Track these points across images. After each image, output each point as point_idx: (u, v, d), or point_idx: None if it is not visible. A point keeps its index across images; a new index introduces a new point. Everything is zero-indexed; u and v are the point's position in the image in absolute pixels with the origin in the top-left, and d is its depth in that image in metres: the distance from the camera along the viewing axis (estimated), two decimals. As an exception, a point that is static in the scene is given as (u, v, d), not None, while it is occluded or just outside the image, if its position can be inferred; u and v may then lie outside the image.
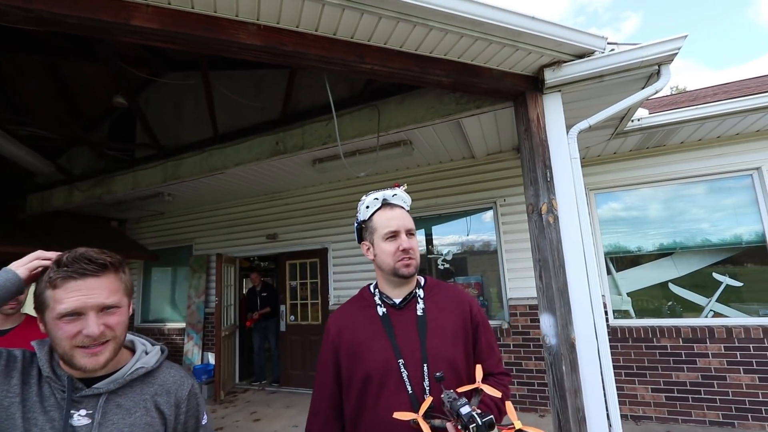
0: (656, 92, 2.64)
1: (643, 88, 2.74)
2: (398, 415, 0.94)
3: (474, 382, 1.05)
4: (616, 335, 4.03)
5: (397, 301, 1.17)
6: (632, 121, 3.67)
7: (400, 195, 1.23)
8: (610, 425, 2.48)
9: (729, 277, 3.95)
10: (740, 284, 3.91)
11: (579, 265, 2.52)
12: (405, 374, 1.05)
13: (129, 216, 7.03)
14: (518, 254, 4.39)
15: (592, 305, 2.48)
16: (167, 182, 4.51)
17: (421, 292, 1.19)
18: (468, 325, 1.15)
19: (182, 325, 6.55)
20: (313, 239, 5.62)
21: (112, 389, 0.87)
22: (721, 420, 3.65)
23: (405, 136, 3.91)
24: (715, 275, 4.00)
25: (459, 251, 4.93)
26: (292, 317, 5.89)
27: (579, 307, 2.47)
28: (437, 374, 0.97)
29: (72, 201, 5.23)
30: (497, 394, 0.95)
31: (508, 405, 0.89)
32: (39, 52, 3.87)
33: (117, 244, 6.51)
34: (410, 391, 1.04)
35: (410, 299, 1.17)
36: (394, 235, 1.15)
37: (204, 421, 1.02)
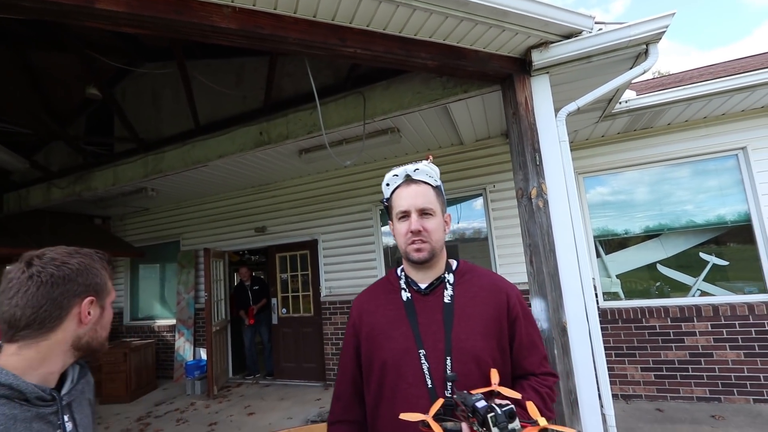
0: (644, 72, 2.61)
1: (631, 68, 2.70)
2: (405, 416, 0.85)
3: (508, 380, 0.97)
4: (606, 317, 4.08)
5: (423, 286, 1.07)
6: (620, 103, 3.65)
7: (422, 169, 1.07)
8: (601, 406, 2.50)
9: (715, 256, 4.00)
10: (726, 263, 3.97)
11: (569, 249, 2.50)
12: (426, 367, 0.96)
13: (113, 213, 6.86)
14: (508, 240, 4.39)
15: (582, 289, 2.47)
16: (149, 177, 4.38)
17: (451, 278, 1.08)
18: (503, 317, 1.03)
19: (172, 321, 6.47)
20: (302, 231, 5.55)
21: (80, 390, 0.90)
22: (708, 396, 3.73)
23: (392, 123, 3.84)
24: (702, 255, 4.05)
25: (450, 239, 4.91)
26: (284, 310, 5.84)
27: (570, 291, 2.47)
28: (449, 374, 0.89)
29: (51, 199, 5.06)
30: (516, 395, 0.84)
31: (529, 404, 0.79)
32: (2, 41, 3.67)
33: (101, 241, 6.35)
34: (430, 386, 0.95)
35: (438, 285, 1.07)
36: (404, 215, 1.05)
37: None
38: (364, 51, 2.34)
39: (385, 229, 5.14)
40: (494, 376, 0.92)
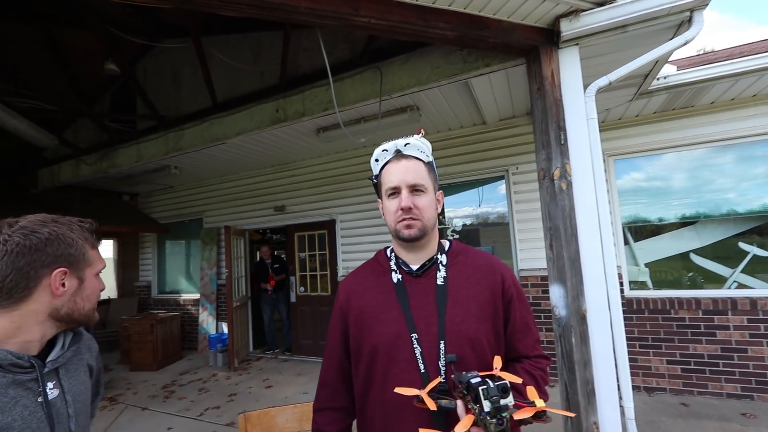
0: (686, 42, 2.37)
1: (672, 38, 2.46)
2: (401, 390, 0.83)
3: (502, 363, 0.95)
4: (631, 306, 3.90)
5: (415, 267, 1.02)
6: (658, 79, 3.37)
7: (413, 144, 1.02)
8: (620, 397, 2.40)
9: (757, 246, 3.72)
10: (769, 254, 3.68)
11: (593, 234, 2.36)
12: (418, 351, 0.93)
13: (139, 190, 7.09)
14: (530, 224, 4.23)
15: (605, 276, 2.34)
16: (170, 154, 4.45)
17: (443, 258, 1.03)
18: (498, 299, 0.99)
19: (197, 296, 6.70)
20: (320, 211, 5.56)
21: (69, 357, 0.89)
22: (739, 393, 3.53)
23: (411, 100, 3.71)
24: (742, 245, 3.77)
25: (472, 223, 4.80)
26: (302, 288, 5.93)
27: (591, 278, 2.34)
28: (448, 355, 0.87)
29: (80, 175, 5.25)
30: (517, 380, 0.81)
31: (529, 389, 0.78)
32: (28, 19, 3.74)
33: (129, 217, 6.60)
34: (423, 370, 0.91)
35: (430, 266, 1.02)
36: (394, 192, 1.00)
37: (102, 369, 1.11)
38: (379, 21, 2.23)
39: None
40: (497, 361, 0.87)
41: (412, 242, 1.00)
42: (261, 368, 5.45)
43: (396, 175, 1.00)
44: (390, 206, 1.01)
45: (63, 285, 0.82)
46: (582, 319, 2.30)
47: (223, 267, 6.17)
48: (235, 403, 4.19)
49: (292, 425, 1.57)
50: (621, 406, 2.36)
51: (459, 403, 0.80)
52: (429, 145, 1.06)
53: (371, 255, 1.16)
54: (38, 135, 4.42)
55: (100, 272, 0.92)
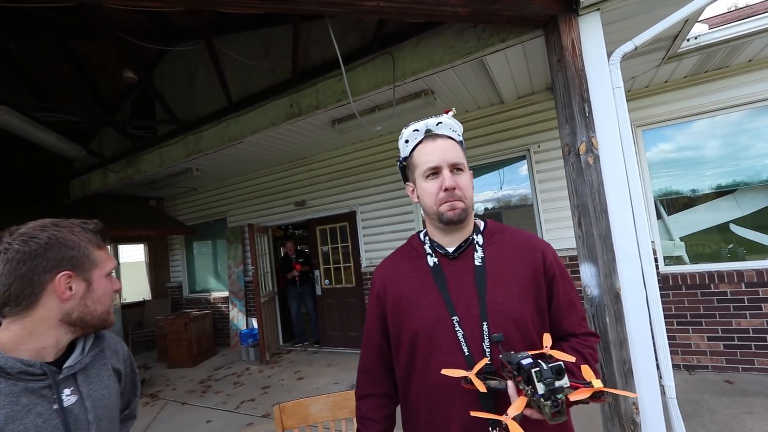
0: (720, -4, 2.20)
1: (702, -7, 2.28)
2: (447, 371, 0.81)
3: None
4: (667, 283, 3.74)
5: (451, 249, 0.99)
6: (687, 40, 3.16)
7: (446, 122, 1.01)
8: (660, 376, 2.31)
9: (804, 212, 3.48)
10: (817, 220, 3.44)
11: (624, 209, 2.26)
12: (460, 334, 0.90)
13: (165, 194, 7.29)
14: (555, 203, 4.11)
15: (639, 252, 2.24)
16: (190, 156, 4.53)
17: (480, 239, 1.01)
18: (540, 277, 0.96)
19: (226, 293, 6.89)
20: (340, 203, 5.57)
21: (87, 363, 0.86)
22: (789, 367, 3.36)
23: (425, 84, 3.63)
24: (787, 212, 3.54)
25: (494, 207, 4.70)
26: (327, 281, 5.99)
27: (624, 255, 2.24)
28: (495, 335, 0.84)
29: (108, 183, 5.44)
30: (570, 359, 0.77)
31: (584, 368, 0.74)
32: (46, 34, 3.85)
33: (157, 221, 6.81)
34: (467, 353, 0.89)
35: (466, 247, 0.99)
36: (434, 172, 0.96)
37: (137, 370, 1.10)
38: (388, 3, 2.16)
39: (423, 198, 5.01)
40: (546, 339, 0.83)
41: (455, 224, 0.97)
42: (292, 361, 5.57)
43: (434, 154, 0.97)
44: (429, 187, 0.97)
45: (70, 288, 0.80)
46: (616, 297, 2.22)
47: (249, 264, 6.31)
48: (269, 395, 4.30)
49: (326, 414, 1.58)
50: (661, 386, 2.28)
51: (510, 383, 0.77)
52: (460, 124, 1.04)
53: (394, 244, 1.14)
54: (66, 147, 4.59)
55: (111, 273, 0.89)
